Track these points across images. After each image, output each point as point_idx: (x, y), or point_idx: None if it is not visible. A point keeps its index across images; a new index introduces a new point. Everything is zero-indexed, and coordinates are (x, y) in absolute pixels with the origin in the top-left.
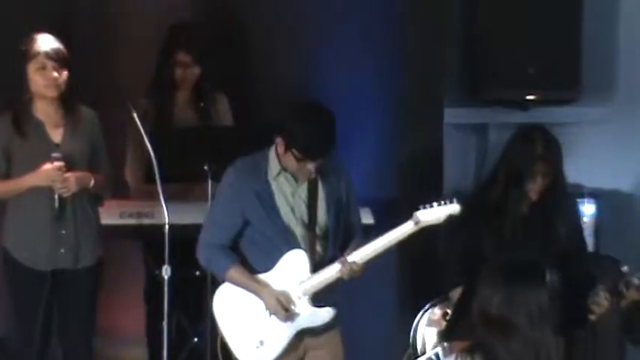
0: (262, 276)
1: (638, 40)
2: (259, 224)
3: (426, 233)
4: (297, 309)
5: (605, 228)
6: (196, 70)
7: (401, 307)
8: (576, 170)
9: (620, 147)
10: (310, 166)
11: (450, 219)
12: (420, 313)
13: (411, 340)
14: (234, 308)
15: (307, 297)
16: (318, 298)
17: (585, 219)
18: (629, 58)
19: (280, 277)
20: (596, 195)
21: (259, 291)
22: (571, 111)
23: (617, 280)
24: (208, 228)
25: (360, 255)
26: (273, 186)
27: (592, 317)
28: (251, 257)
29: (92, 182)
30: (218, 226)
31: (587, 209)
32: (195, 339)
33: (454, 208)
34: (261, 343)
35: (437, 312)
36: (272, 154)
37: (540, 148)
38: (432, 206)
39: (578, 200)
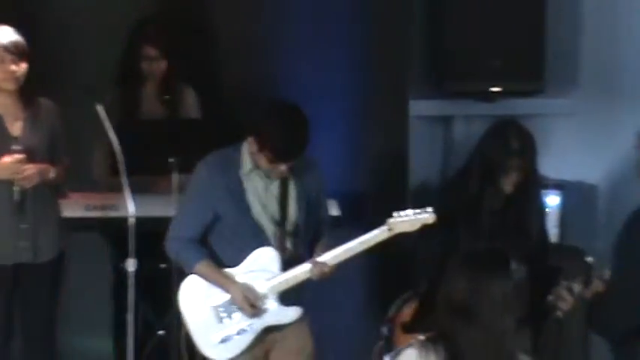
0: (231, 271)
1: (601, 31)
2: (230, 219)
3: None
4: (264, 306)
5: (569, 219)
6: (163, 64)
7: (370, 299)
8: (541, 162)
9: (584, 138)
10: (283, 167)
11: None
12: (393, 307)
13: (383, 334)
14: (199, 302)
15: (275, 295)
16: (287, 297)
17: (550, 210)
18: (593, 49)
19: (249, 272)
20: (560, 186)
21: (227, 285)
22: (535, 103)
23: (574, 279)
24: (178, 221)
25: (331, 256)
26: (245, 182)
27: (559, 313)
28: (220, 252)
29: (52, 174)
30: (188, 219)
31: (552, 200)
32: (161, 332)
33: (430, 217)
34: (227, 337)
35: (410, 306)
36: (245, 149)
37: (515, 142)
38: (407, 215)
39: (543, 192)
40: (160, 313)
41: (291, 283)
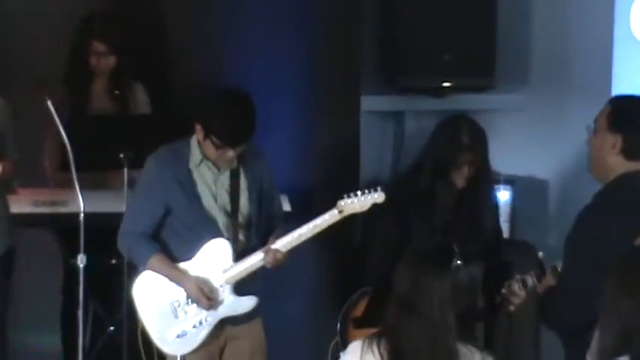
0: (184, 264)
1: (552, 27)
2: (181, 212)
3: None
4: (219, 297)
5: (520, 214)
6: (112, 60)
7: (324, 295)
8: (492, 157)
9: (534, 134)
10: (230, 154)
11: (374, 207)
12: (349, 301)
13: (338, 330)
14: (154, 297)
15: (230, 286)
16: (241, 287)
17: (501, 205)
18: (544, 45)
19: (202, 265)
20: (511, 181)
21: (181, 279)
22: (486, 98)
23: (527, 273)
24: (129, 216)
25: (283, 243)
26: (195, 174)
27: (511, 308)
28: (173, 246)
29: (0, 169)
30: (139, 214)
31: (503, 195)
32: (112, 327)
33: (379, 197)
34: (183, 332)
35: (364, 300)
36: (194, 141)
37: (466, 137)
38: (356, 195)
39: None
40: (111, 310)
41: (245, 272)
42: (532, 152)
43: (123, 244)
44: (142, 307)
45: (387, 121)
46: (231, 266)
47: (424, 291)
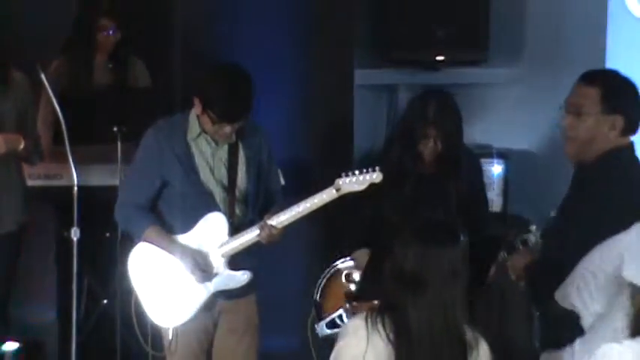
0: (180, 237)
1: (546, 1)
2: (178, 185)
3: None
4: (213, 271)
5: (512, 188)
6: (118, 36)
7: (311, 268)
8: (485, 130)
9: (527, 107)
10: (227, 129)
11: (372, 187)
12: (324, 274)
13: (314, 302)
14: (149, 268)
15: (224, 260)
16: (235, 262)
17: (494, 178)
18: (537, 19)
19: (198, 238)
20: (504, 155)
21: (176, 251)
22: (480, 72)
23: (514, 238)
24: (126, 188)
25: (279, 219)
26: (193, 147)
27: (513, 276)
28: (169, 219)
29: (22, 145)
30: (136, 186)
31: (496, 169)
32: (105, 300)
33: (377, 177)
34: (175, 304)
35: (340, 273)
36: (192, 115)
37: (432, 111)
38: (354, 174)
39: (487, 160)
40: (105, 283)
41: (240, 247)
42: (524, 126)
43: (119, 215)
44: (136, 279)
45: (381, 95)
46: (227, 241)
47: (432, 266)
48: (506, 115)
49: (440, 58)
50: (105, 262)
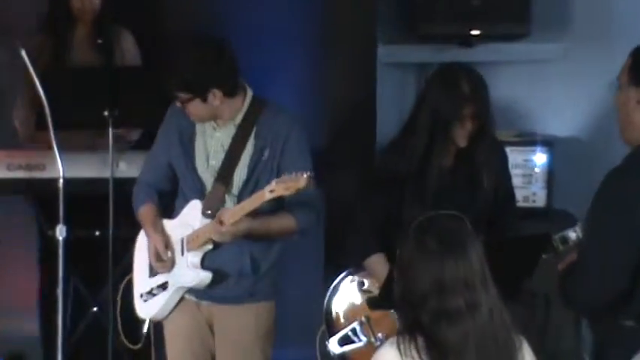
0: (165, 221)
1: None
2: (177, 167)
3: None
4: (176, 262)
5: (559, 180)
6: (96, 2)
7: (322, 273)
8: (526, 115)
9: (574, 88)
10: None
11: (299, 193)
12: (334, 283)
13: (324, 313)
14: (141, 252)
15: (193, 253)
16: (215, 260)
17: (537, 169)
18: None
19: (174, 226)
20: (548, 143)
21: (149, 235)
22: (521, 48)
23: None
24: (143, 166)
25: (228, 215)
26: (197, 127)
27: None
28: (177, 202)
29: None
30: (147, 163)
31: (539, 159)
32: (95, 308)
33: (300, 181)
34: (148, 293)
35: (352, 282)
36: None
37: (467, 88)
38: (289, 175)
39: (529, 149)
40: (95, 288)
41: (199, 241)
42: (572, 109)
43: (133, 194)
44: (135, 260)
45: (408, 73)
46: (193, 232)
47: (467, 268)
48: (551, 96)
49: (475, 32)
50: (95, 265)
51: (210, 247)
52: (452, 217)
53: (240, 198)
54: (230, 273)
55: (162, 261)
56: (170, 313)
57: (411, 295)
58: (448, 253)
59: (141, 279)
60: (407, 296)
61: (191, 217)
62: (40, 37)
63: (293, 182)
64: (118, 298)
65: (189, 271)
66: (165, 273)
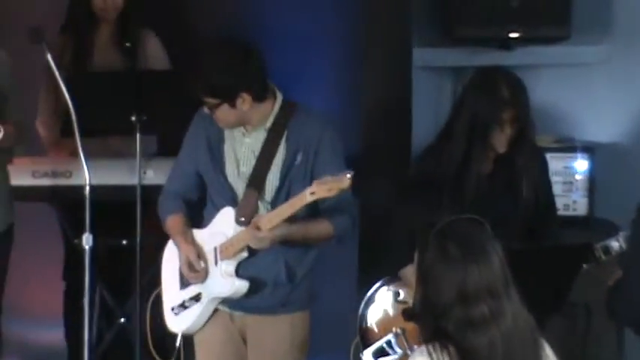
0: (195, 231)
1: None
2: (206, 174)
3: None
4: (209, 272)
5: (601, 188)
6: (118, 2)
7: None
8: (566, 120)
9: (617, 92)
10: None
11: (340, 195)
12: (369, 293)
13: (358, 324)
14: (171, 263)
15: (226, 262)
16: (250, 269)
17: (578, 176)
18: None
19: (208, 235)
20: (589, 149)
21: (180, 245)
22: (562, 51)
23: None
24: (169, 175)
25: (265, 220)
26: (226, 133)
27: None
28: (205, 211)
29: (1, 133)
30: (173, 172)
31: (580, 166)
32: (123, 319)
33: (345, 182)
34: (180, 306)
35: (387, 292)
36: None
37: (507, 92)
38: (327, 179)
39: (570, 155)
40: (122, 299)
41: (234, 249)
42: (615, 114)
43: (158, 204)
44: (163, 274)
45: (443, 77)
46: (227, 240)
47: (490, 274)
48: (593, 101)
49: (514, 34)
50: (122, 275)
51: (245, 254)
52: (472, 221)
53: (273, 204)
54: (265, 281)
55: (195, 271)
56: (203, 325)
57: (433, 304)
58: (471, 261)
59: (171, 292)
60: (429, 304)
61: (224, 225)
62: (62, 38)
63: (336, 183)
64: (148, 310)
65: (225, 281)
66: (199, 284)
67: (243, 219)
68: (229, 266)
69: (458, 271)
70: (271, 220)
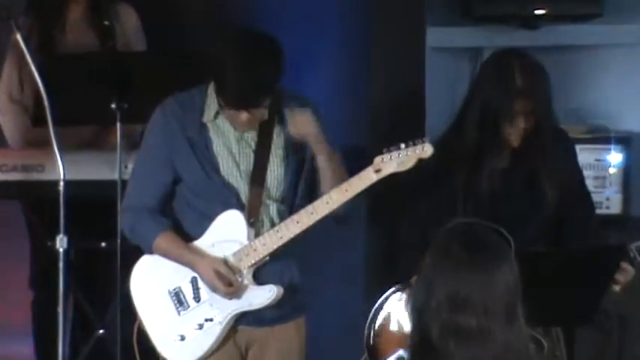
0: (197, 243)
1: None
2: (192, 180)
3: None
4: (241, 282)
5: (635, 182)
6: None
7: (370, 292)
8: (599, 108)
9: None
10: (243, 116)
11: (421, 164)
12: (378, 302)
13: (365, 338)
14: (155, 288)
15: (248, 270)
16: (260, 273)
17: (611, 170)
18: None
19: (213, 244)
20: (624, 140)
21: (194, 261)
22: (592, 30)
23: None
24: (132, 187)
25: (306, 214)
26: (211, 130)
27: (616, 288)
28: (186, 223)
29: None
30: (142, 183)
31: (613, 158)
32: (101, 330)
33: (426, 150)
34: (187, 333)
35: (399, 301)
36: (211, 88)
37: (521, 80)
38: (398, 148)
39: (603, 147)
40: (100, 307)
41: (262, 253)
42: None
43: (125, 223)
44: (140, 301)
45: (461, 59)
46: (246, 245)
47: (493, 288)
48: (627, 86)
49: (540, 12)
50: (101, 280)
51: (267, 259)
52: (492, 231)
53: (281, 197)
54: (283, 285)
55: (230, 285)
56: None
57: (425, 301)
58: (472, 266)
59: (164, 321)
60: (421, 302)
61: (233, 231)
62: (28, 18)
63: (411, 153)
64: (136, 325)
65: (259, 290)
66: (205, 302)
67: (253, 219)
68: (249, 274)
69: (455, 271)
70: (314, 213)
